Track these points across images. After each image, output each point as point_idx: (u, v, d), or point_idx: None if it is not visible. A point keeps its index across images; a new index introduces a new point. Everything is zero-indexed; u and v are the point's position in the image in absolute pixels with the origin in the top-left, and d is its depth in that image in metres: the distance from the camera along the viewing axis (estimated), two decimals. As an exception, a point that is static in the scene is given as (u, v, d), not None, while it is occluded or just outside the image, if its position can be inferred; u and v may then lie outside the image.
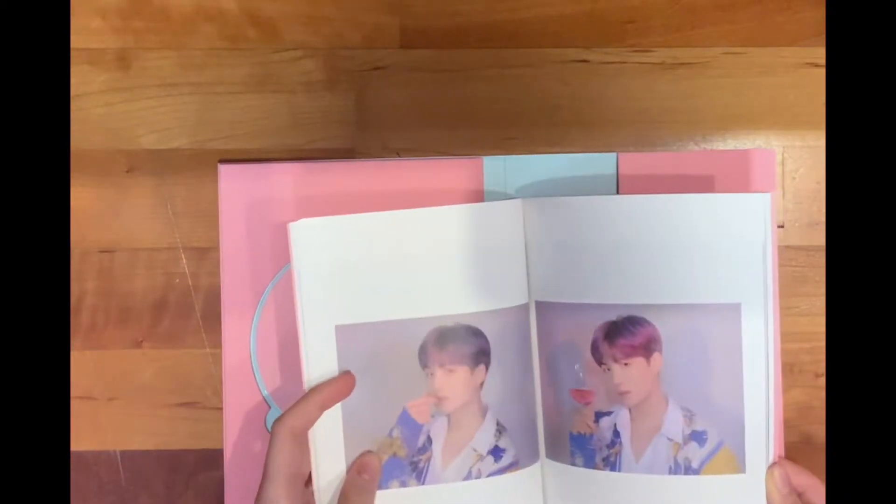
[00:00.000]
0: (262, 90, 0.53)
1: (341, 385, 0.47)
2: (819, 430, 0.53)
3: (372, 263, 0.48)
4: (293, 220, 0.48)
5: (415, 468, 0.48)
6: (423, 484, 0.48)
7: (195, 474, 0.53)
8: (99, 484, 0.53)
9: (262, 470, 0.44)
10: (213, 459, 0.53)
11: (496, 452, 0.49)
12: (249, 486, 0.52)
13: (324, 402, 0.46)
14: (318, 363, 0.48)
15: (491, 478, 0.49)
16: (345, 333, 0.48)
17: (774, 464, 0.46)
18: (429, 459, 0.49)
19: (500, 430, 0.49)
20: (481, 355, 0.49)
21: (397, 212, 0.49)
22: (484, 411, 0.49)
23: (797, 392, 0.53)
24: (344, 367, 0.48)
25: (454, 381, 0.49)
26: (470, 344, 0.49)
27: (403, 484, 0.48)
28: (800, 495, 0.46)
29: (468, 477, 0.48)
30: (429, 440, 0.49)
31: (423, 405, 0.49)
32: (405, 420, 0.48)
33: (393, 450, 0.48)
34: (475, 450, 0.49)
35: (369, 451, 0.48)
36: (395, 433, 0.48)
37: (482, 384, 0.49)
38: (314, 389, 0.47)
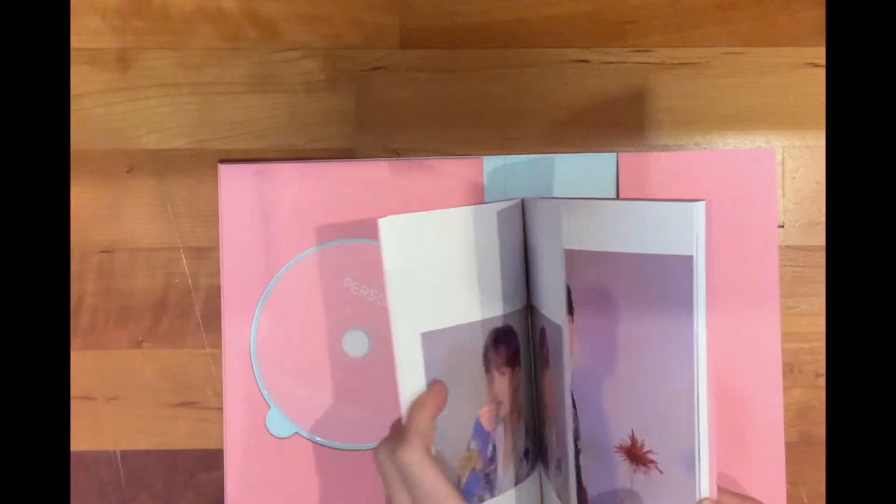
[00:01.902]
0: (262, 90, 0.53)
1: (440, 393, 0.44)
2: (819, 430, 0.53)
3: (448, 263, 0.45)
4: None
5: (487, 480, 0.46)
6: (493, 496, 0.46)
7: (195, 474, 0.53)
8: (99, 484, 0.53)
9: (404, 500, 0.41)
10: (213, 459, 0.53)
11: (527, 455, 0.48)
12: (249, 486, 0.52)
13: (433, 413, 0.43)
14: (408, 372, 0.44)
15: (527, 480, 0.48)
16: (429, 340, 0.44)
17: (704, 500, 0.40)
18: (495, 469, 0.47)
19: (527, 432, 0.49)
20: (517, 356, 0.48)
21: (470, 207, 0.46)
22: (521, 414, 0.48)
23: (797, 392, 0.53)
24: (431, 376, 0.44)
25: (506, 383, 0.47)
26: (513, 345, 0.47)
27: (481, 500, 0.46)
28: None
29: (517, 482, 0.47)
30: (494, 449, 0.46)
31: (489, 412, 0.46)
32: (478, 430, 0.46)
33: (472, 464, 0.45)
34: (518, 453, 0.48)
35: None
36: (472, 446, 0.45)
37: (518, 386, 0.48)
38: (418, 405, 0.43)
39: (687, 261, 0.39)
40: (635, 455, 0.42)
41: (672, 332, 0.40)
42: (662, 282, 0.40)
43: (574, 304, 0.43)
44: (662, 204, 0.39)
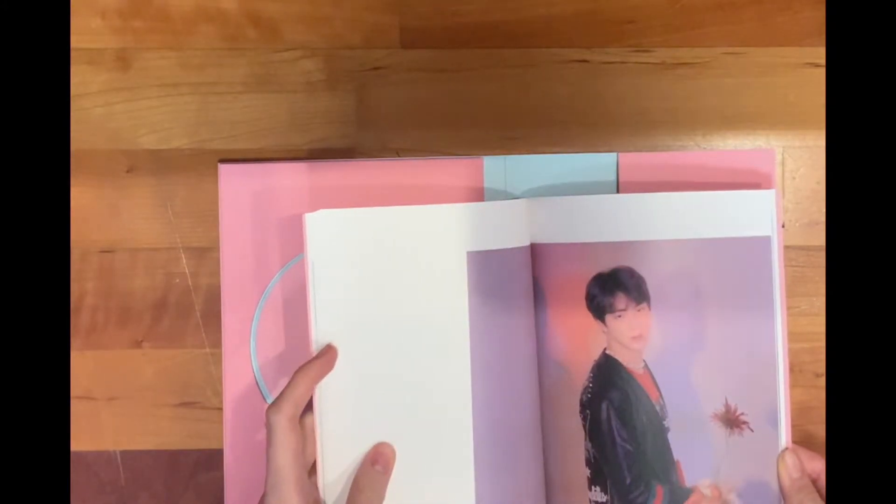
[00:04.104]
0: (262, 90, 0.53)
1: (326, 359, 0.46)
2: (819, 430, 0.53)
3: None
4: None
5: None
6: None
7: (195, 474, 0.53)
8: (99, 484, 0.53)
9: (267, 465, 0.43)
10: (213, 459, 0.53)
11: None
12: (249, 486, 0.52)
13: (313, 380, 0.45)
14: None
15: None
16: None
17: (786, 450, 0.47)
18: None
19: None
20: None
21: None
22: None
23: (797, 392, 0.53)
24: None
25: None
26: None
27: None
28: (814, 482, 0.46)
29: None
30: None
31: None
32: None
33: None
34: None
35: (383, 442, 0.47)
36: None
37: None
38: (301, 370, 0.45)
39: (765, 241, 0.47)
40: (730, 419, 0.47)
41: (755, 305, 0.47)
42: (743, 261, 0.47)
43: (650, 292, 0.48)
44: (741, 193, 0.48)
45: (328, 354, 0.47)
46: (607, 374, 0.48)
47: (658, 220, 0.47)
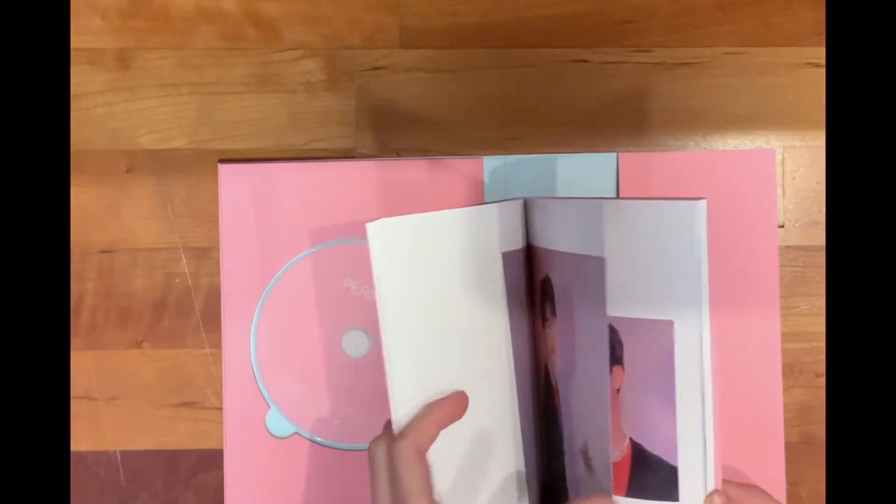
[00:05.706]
0: (262, 90, 0.53)
1: (457, 403, 0.44)
2: (819, 430, 0.53)
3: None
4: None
5: None
6: None
7: (195, 474, 0.53)
8: (99, 484, 0.53)
9: (393, 495, 0.41)
10: (213, 459, 0.53)
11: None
12: (249, 486, 0.52)
13: (442, 420, 0.43)
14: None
15: None
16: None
17: (715, 491, 0.40)
18: None
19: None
20: None
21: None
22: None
23: (797, 392, 0.53)
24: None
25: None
26: None
27: None
28: None
29: None
30: None
31: None
32: None
33: None
34: None
35: None
36: None
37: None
38: (430, 407, 0.43)
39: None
40: (587, 462, 0.43)
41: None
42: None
43: (556, 306, 0.45)
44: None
45: (459, 399, 0.44)
46: (545, 383, 0.47)
47: (566, 229, 0.43)
